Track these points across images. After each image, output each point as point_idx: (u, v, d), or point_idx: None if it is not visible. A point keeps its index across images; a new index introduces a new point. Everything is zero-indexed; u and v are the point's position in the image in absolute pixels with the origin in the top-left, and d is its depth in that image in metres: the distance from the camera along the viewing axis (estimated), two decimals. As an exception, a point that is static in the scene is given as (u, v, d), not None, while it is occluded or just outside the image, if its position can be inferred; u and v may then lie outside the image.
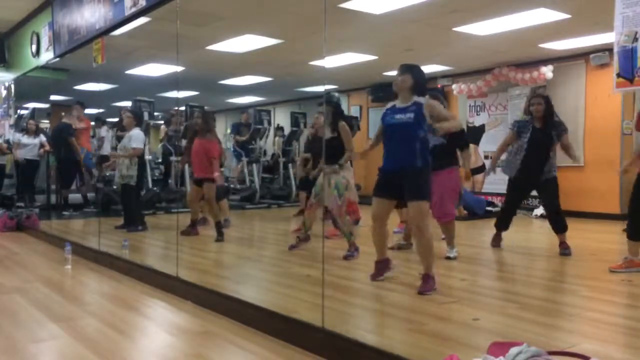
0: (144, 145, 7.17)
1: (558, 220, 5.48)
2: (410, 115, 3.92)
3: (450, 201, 5.16)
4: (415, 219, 3.94)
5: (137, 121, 7.21)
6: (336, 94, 6.10)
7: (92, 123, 10.23)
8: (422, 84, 4.07)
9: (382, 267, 4.30)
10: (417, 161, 3.90)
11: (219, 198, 6.88)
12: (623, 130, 8.40)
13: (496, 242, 5.82)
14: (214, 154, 6.48)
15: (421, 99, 3.98)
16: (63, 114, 9.18)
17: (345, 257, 5.15)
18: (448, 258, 5.05)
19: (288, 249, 5.66)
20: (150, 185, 9.06)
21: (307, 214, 5.69)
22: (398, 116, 3.98)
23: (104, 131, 9.95)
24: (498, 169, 5.93)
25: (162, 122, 10.28)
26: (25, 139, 8.95)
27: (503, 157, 5.84)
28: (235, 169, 11.11)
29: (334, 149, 5.31)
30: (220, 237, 6.29)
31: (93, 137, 10.32)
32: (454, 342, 2.88)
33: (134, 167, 6.95)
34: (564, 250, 5.37)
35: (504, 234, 5.82)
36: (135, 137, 6.98)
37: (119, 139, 8.05)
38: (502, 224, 5.80)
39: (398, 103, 4.07)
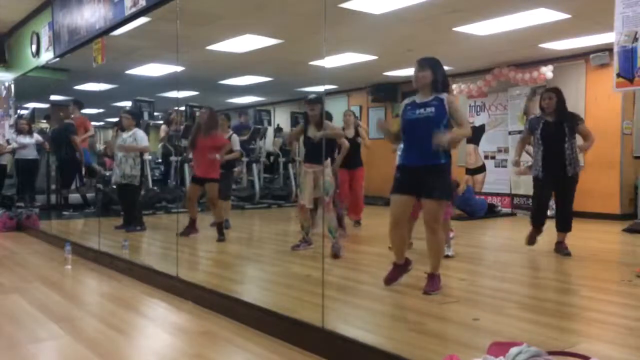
0: None
1: (566, 219, 5.37)
2: (432, 109, 3.81)
3: None
4: (430, 218, 3.81)
5: (136, 121, 7.23)
6: (313, 95, 6.19)
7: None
8: (442, 79, 3.91)
9: (401, 270, 4.07)
10: (440, 157, 3.79)
11: (223, 198, 6.85)
12: (623, 130, 8.41)
13: (532, 240, 5.58)
14: (219, 147, 6.42)
15: (443, 95, 3.86)
16: (62, 114, 9.16)
17: (332, 249, 5.20)
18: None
19: (291, 249, 5.67)
20: (150, 185, 9.06)
21: (300, 216, 5.75)
22: (419, 111, 3.86)
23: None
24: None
25: (162, 122, 10.27)
26: (20, 139, 8.94)
27: (525, 158, 5.66)
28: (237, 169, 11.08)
29: (320, 148, 5.41)
30: (221, 237, 6.30)
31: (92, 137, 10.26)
32: (454, 342, 2.88)
33: (137, 167, 6.97)
34: (564, 250, 5.34)
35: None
36: (141, 137, 7.04)
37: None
38: (537, 219, 5.53)
39: (418, 99, 3.94)
